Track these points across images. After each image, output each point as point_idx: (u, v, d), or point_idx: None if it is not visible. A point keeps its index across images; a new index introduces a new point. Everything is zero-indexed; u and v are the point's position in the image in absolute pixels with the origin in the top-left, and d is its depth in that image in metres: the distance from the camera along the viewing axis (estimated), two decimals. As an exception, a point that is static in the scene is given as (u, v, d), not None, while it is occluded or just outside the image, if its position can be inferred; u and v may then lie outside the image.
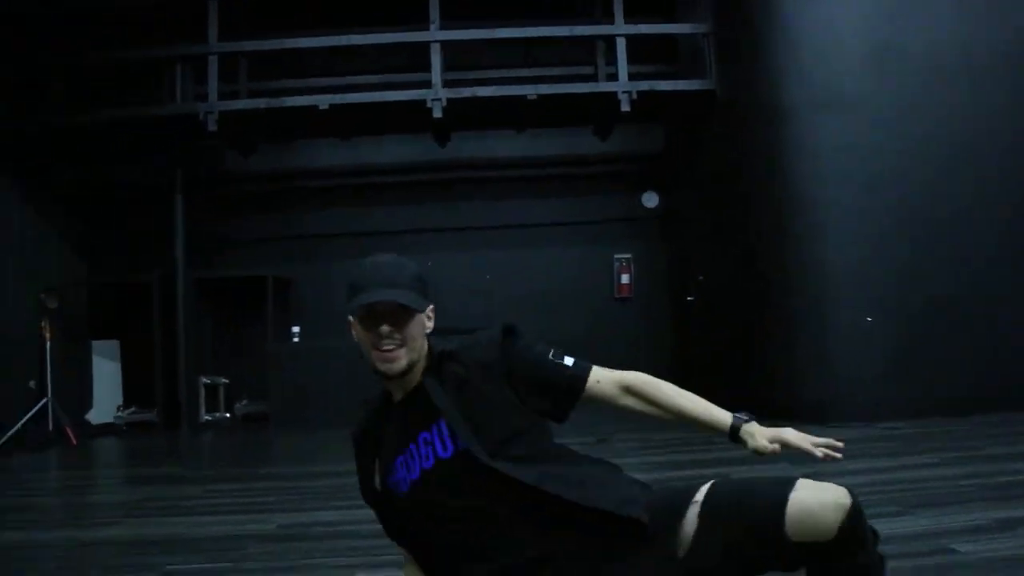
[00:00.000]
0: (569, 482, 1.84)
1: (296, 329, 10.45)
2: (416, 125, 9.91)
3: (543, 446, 1.96)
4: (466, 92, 9.21)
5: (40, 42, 9.34)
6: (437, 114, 9.08)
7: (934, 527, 3.57)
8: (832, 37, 7.78)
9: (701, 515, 1.77)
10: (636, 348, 10.80)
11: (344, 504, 4.62)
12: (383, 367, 1.93)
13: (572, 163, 11.38)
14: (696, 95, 9.30)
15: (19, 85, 9.21)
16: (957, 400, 7.19)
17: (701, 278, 9.84)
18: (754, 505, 1.72)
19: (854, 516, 1.68)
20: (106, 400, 10.43)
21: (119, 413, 10.49)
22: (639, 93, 9.09)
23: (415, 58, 9.64)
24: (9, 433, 8.45)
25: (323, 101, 9.12)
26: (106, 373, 10.56)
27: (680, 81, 9.61)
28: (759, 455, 1.95)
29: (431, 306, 2.02)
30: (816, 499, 1.68)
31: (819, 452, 1.86)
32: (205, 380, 10.65)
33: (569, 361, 2.00)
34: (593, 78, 10.17)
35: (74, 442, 8.71)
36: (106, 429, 10.07)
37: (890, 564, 2.97)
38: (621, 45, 9.18)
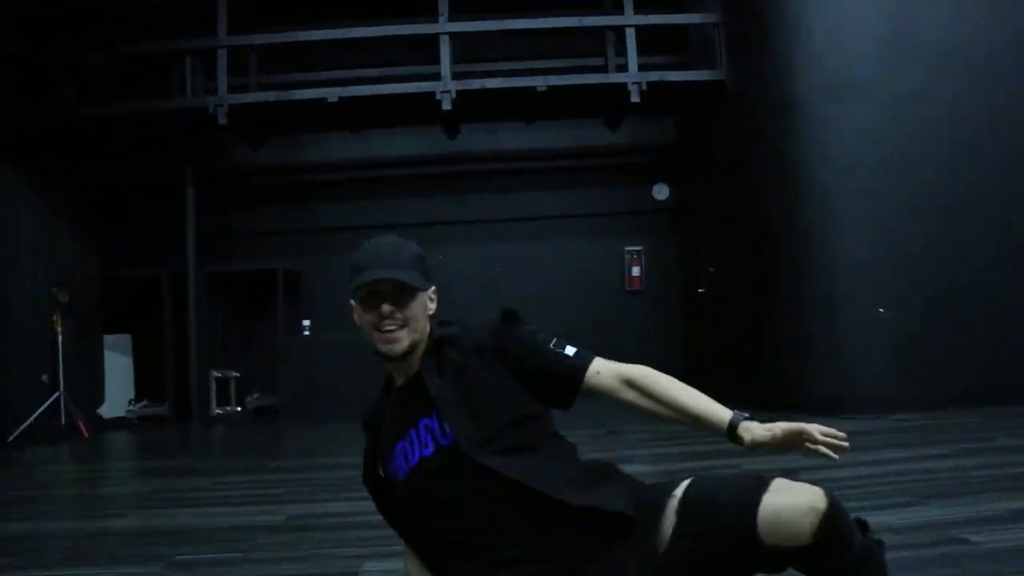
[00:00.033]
0: (555, 477, 1.80)
1: (307, 323, 10.46)
2: (425, 118, 9.89)
3: (539, 437, 1.92)
4: (475, 84, 9.19)
5: (49, 38, 9.36)
6: (446, 106, 9.06)
7: (945, 517, 3.53)
8: (842, 26, 7.73)
9: (678, 511, 1.71)
10: (647, 341, 10.74)
11: (354, 496, 4.59)
12: (384, 348, 1.91)
13: (582, 155, 11.35)
14: (706, 86, 9.25)
15: (29, 81, 9.24)
16: (969, 392, 7.14)
17: (712, 270, 9.80)
18: (728, 506, 1.64)
19: (831, 518, 1.59)
20: (118, 394, 10.49)
21: (131, 407, 10.55)
22: (649, 84, 9.05)
23: (424, 50, 9.63)
24: (22, 427, 8.50)
25: (332, 94, 9.11)
26: (118, 367, 10.62)
27: (690, 72, 9.56)
28: (757, 448, 1.82)
29: (433, 287, 2.00)
30: (788, 503, 1.59)
31: (819, 437, 1.75)
32: (216, 374, 10.69)
33: (570, 351, 1.93)
34: (603, 69, 10.11)
35: (86, 435, 8.76)
36: (118, 423, 10.12)
37: (902, 554, 2.99)
38: (631, 36, 9.14)
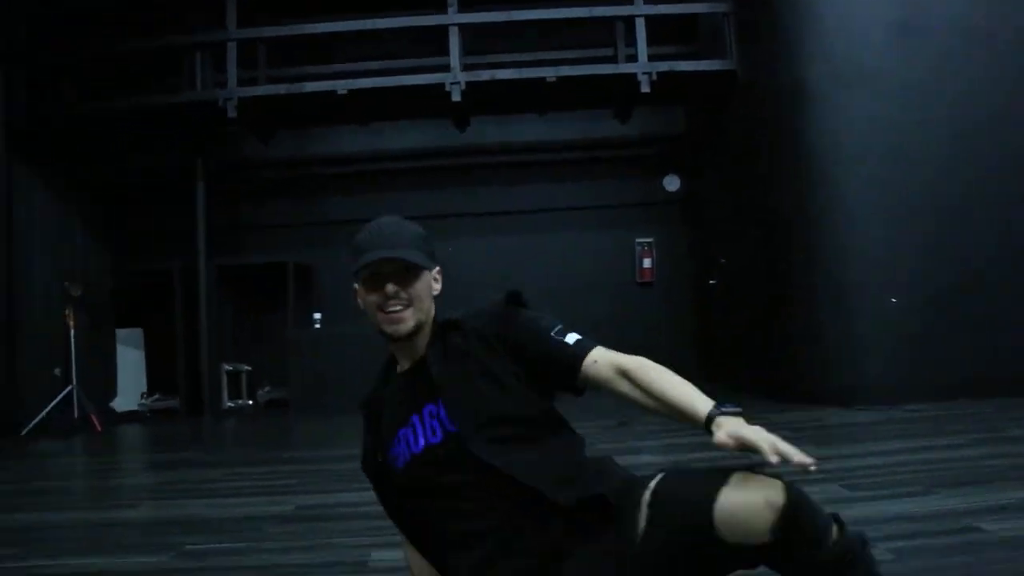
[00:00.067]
0: (550, 473, 1.77)
1: (317, 315, 10.48)
2: (435, 110, 9.88)
3: (541, 429, 1.88)
4: (485, 75, 9.17)
5: (59, 35, 9.40)
6: (456, 98, 9.04)
7: (959, 506, 3.50)
8: (852, 13, 7.67)
9: (649, 504, 1.65)
10: (658, 333, 10.73)
11: (364, 486, 4.55)
12: (390, 329, 1.89)
13: (592, 147, 11.31)
14: (716, 75, 9.19)
15: (40, 78, 9.28)
16: (981, 382, 7.06)
17: (723, 261, 9.76)
18: (688, 503, 1.56)
19: (790, 515, 1.48)
20: (130, 387, 10.53)
21: (143, 400, 10.59)
22: (659, 74, 9.01)
23: (434, 42, 9.61)
24: (35, 420, 8.55)
25: (342, 86, 9.11)
26: (130, 361, 10.67)
27: (700, 61, 9.49)
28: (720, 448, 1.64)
29: (438, 267, 1.97)
30: (743, 500, 1.51)
31: (774, 458, 1.50)
32: (227, 367, 10.72)
33: (571, 339, 1.86)
34: (613, 60, 10.06)
35: (99, 429, 8.80)
36: (130, 416, 10.16)
37: (915, 543, 2.97)
38: (640, 26, 9.09)
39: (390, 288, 1.86)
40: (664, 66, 9.10)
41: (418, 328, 1.91)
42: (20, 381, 8.81)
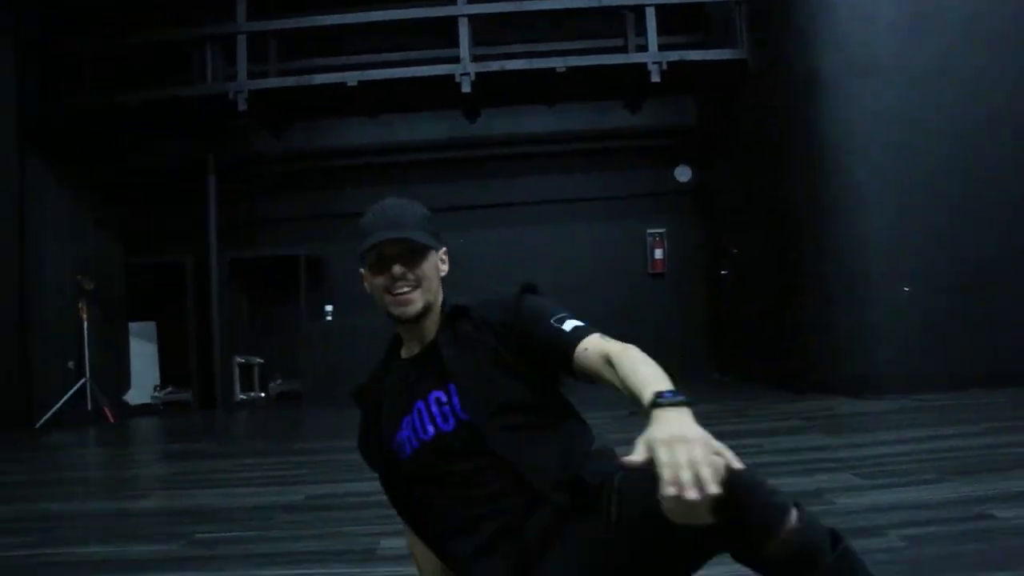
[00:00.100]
0: (553, 465, 1.75)
1: (329, 308, 10.50)
2: (445, 101, 9.86)
3: (548, 418, 1.84)
4: (495, 66, 9.14)
5: (69, 26, 9.43)
6: (466, 89, 9.02)
7: (972, 494, 3.48)
8: (865, 1, 7.59)
9: (617, 489, 1.58)
10: (670, 324, 10.71)
11: (373, 476, 4.61)
12: (398, 311, 1.86)
13: (603, 137, 11.27)
14: (727, 65, 9.14)
15: (52, 72, 9.31)
16: (996, 372, 7.01)
17: (735, 251, 9.72)
18: (642, 485, 1.42)
19: (729, 493, 1.32)
20: (143, 380, 10.59)
21: (156, 393, 10.64)
22: (669, 64, 8.95)
23: (443, 34, 9.58)
24: (49, 413, 8.60)
25: (352, 78, 9.10)
26: (143, 354, 10.72)
27: (711, 51, 9.42)
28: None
29: (444, 248, 1.94)
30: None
31: (668, 490, 1.29)
32: (240, 360, 10.76)
33: (568, 325, 1.77)
34: (623, 50, 9.99)
35: (112, 421, 8.84)
36: (143, 409, 10.21)
37: (928, 530, 2.95)
38: (651, 15, 9.04)
39: (397, 269, 1.83)
40: (675, 56, 9.05)
41: (427, 309, 1.88)
42: (34, 375, 8.86)
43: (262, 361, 10.96)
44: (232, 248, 10.79)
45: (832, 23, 7.72)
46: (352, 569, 3.05)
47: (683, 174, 11.35)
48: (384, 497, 2.05)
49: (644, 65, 8.99)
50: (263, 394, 10.86)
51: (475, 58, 9.15)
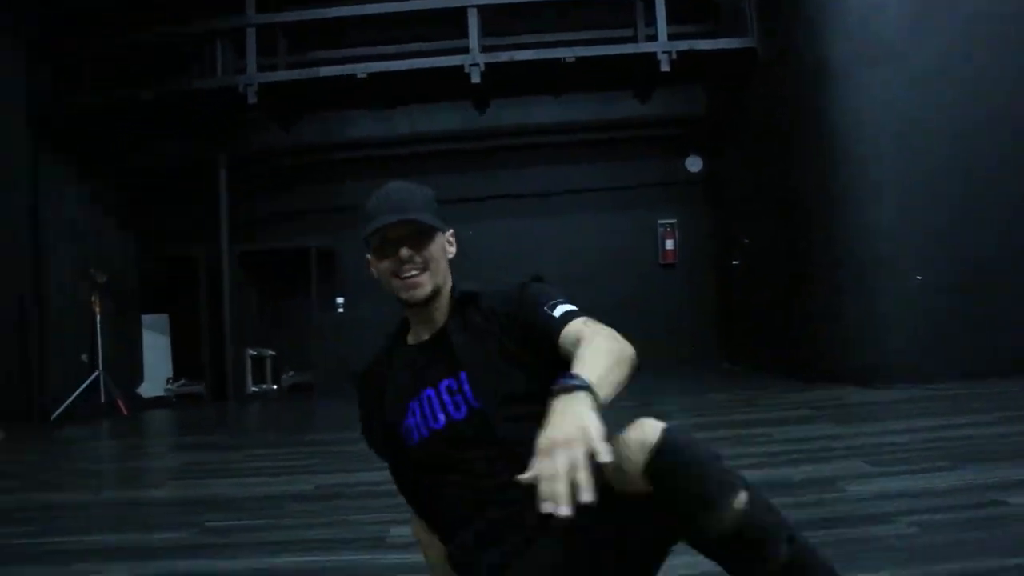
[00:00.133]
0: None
1: (340, 300, 10.52)
2: (455, 92, 9.85)
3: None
4: (504, 56, 9.12)
5: (77, 24, 9.45)
6: (475, 79, 9.00)
7: (983, 480, 3.47)
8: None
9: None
10: (680, 314, 10.70)
11: (383, 466, 4.63)
12: (407, 295, 1.83)
13: (613, 128, 11.25)
14: (737, 54, 9.09)
15: (64, 67, 9.35)
16: (1008, 361, 6.95)
17: (746, 241, 9.68)
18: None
19: (663, 456, 1.34)
20: (156, 373, 10.64)
21: (169, 386, 10.70)
22: (679, 53, 8.91)
23: (452, 25, 9.56)
24: (63, 406, 8.66)
25: (361, 70, 9.09)
26: (156, 347, 10.77)
27: (720, 40, 9.37)
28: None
29: (451, 231, 1.92)
30: (621, 441, 1.41)
31: (544, 506, 1.26)
32: (252, 352, 10.80)
33: (559, 311, 1.74)
34: (632, 39, 9.96)
35: (125, 413, 8.90)
36: (157, 401, 10.27)
37: (937, 516, 2.94)
38: (660, 4, 8.99)
39: (404, 252, 1.80)
40: (684, 45, 9.00)
41: (435, 293, 1.86)
42: (47, 367, 8.93)
43: (274, 353, 10.99)
44: (244, 241, 10.82)
45: (842, 12, 7.67)
46: (362, 556, 3.07)
47: (694, 164, 11.31)
48: (393, 486, 2.04)
49: (654, 54, 8.95)
50: (275, 386, 10.90)
51: (484, 48, 9.13)
